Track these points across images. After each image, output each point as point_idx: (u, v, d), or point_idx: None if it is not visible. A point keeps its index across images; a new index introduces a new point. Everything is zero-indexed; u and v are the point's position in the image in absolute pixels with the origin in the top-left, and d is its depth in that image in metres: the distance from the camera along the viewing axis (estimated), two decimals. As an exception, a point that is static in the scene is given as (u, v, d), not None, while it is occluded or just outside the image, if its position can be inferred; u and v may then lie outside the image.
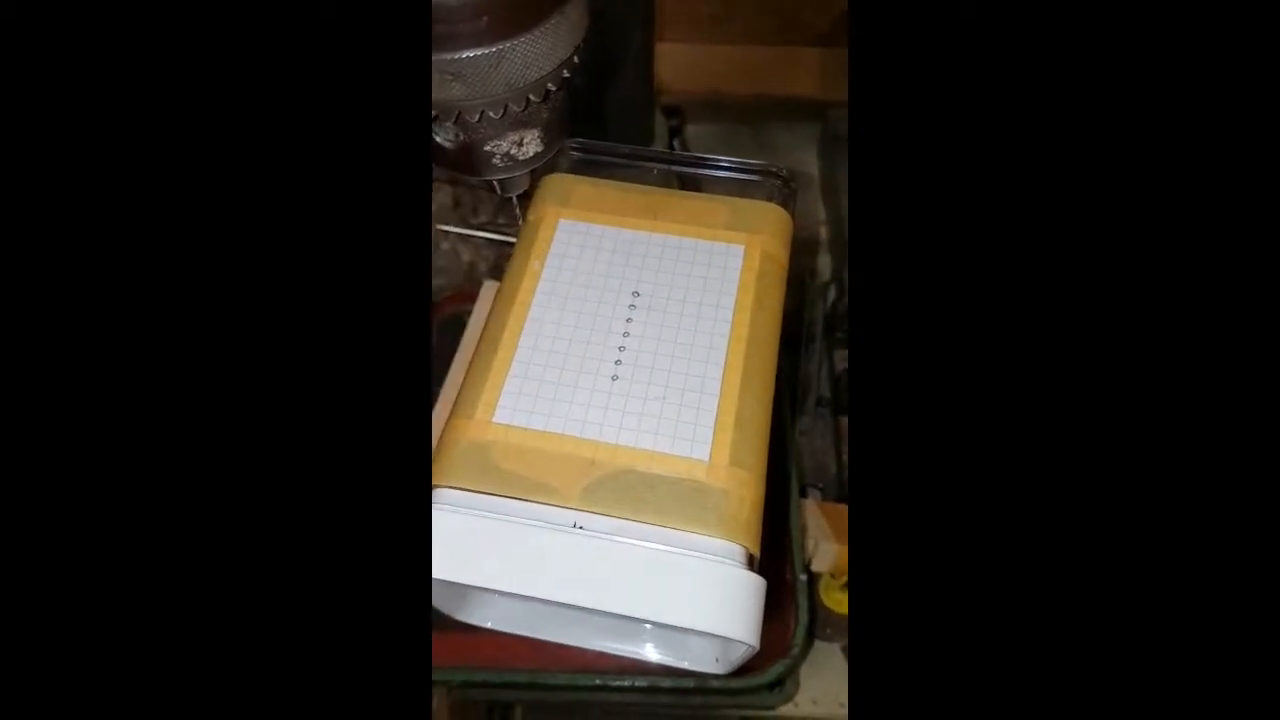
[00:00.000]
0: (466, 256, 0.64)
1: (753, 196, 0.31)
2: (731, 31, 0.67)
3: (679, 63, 0.67)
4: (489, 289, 0.47)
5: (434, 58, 0.20)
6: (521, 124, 0.23)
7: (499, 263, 0.62)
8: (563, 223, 0.30)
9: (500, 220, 0.62)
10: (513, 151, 0.23)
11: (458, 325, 0.52)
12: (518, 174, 0.25)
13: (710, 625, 0.22)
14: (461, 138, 0.23)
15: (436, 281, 0.63)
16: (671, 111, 0.67)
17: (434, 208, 0.66)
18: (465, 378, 0.27)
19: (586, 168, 0.32)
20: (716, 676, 0.43)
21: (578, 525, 0.24)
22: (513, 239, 0.60)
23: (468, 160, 0.24)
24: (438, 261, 0.64)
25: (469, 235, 0.59)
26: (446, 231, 0.61)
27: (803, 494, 0.53)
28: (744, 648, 0.28)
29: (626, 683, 0.41)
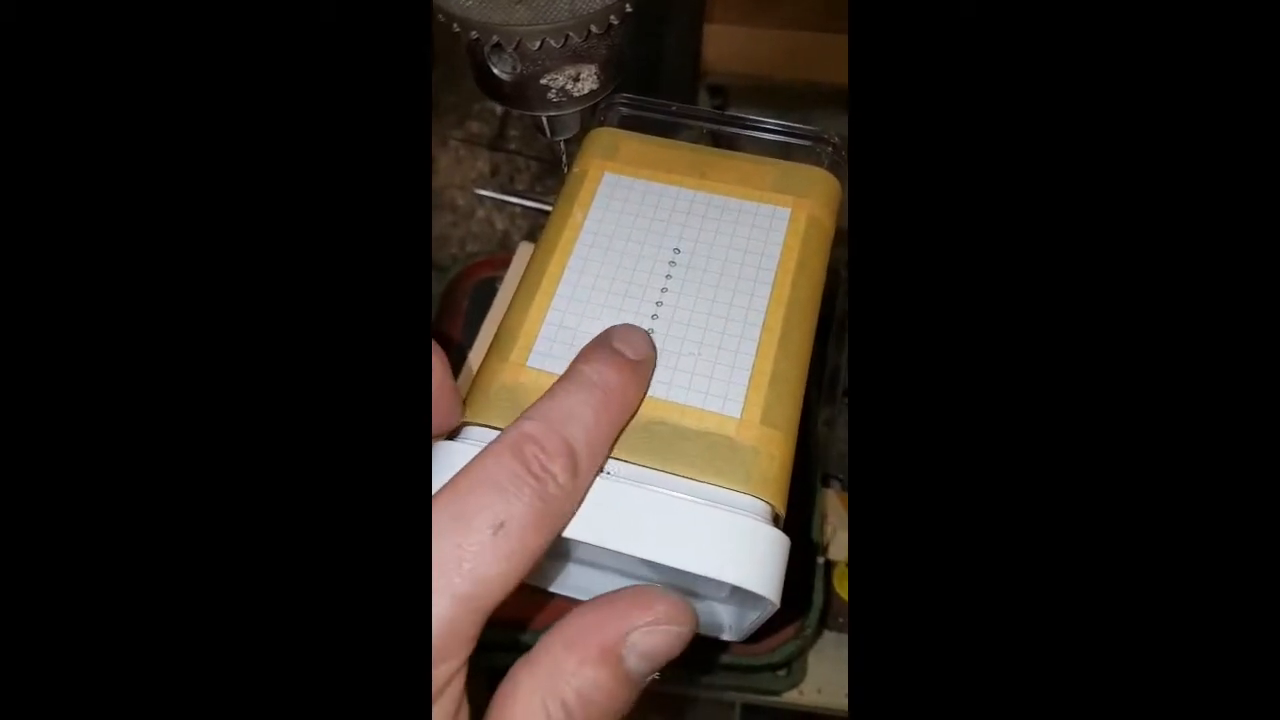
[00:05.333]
0: (501, 225, 0.64)
1: (803, 162, 0.31)
2: (778, 16, 0.66)
3: (726, 44, 0.67)
4: (524, 249, 0.47)
5: (501, -22, 0.20)
6: (580, 58, 0.23)
7: (533, 232, 0.62)
8: (607, 176, 0.30)
9: (538, 189, 0.62)
10: (568, 87, 0.23)
11: (489, 291, 0.52)
12: (570, 111, 0.25)
13: (733, 576, 0.22)
14: (519, 69, 0.23)
15: (470, 248, 0.63)
16: (716, 91, 0.66)
17: (473, 175, 0.66)
18: (502, 321, 0.27)
19: (635, 124, 0.31)
20: (726, 653, 0.43)
21: (604, 470, 0.24)
22: (549, 207, 0.60)
23: (523, 94, 0.24)
24: (472, 228, 0.64)
25: (505, 201, 0.60)
26: (483, 197, 0.61)
27: (824, 483, 0.52)
28: (756, 615, 0.27)
29: (636, 652, 0.40)
